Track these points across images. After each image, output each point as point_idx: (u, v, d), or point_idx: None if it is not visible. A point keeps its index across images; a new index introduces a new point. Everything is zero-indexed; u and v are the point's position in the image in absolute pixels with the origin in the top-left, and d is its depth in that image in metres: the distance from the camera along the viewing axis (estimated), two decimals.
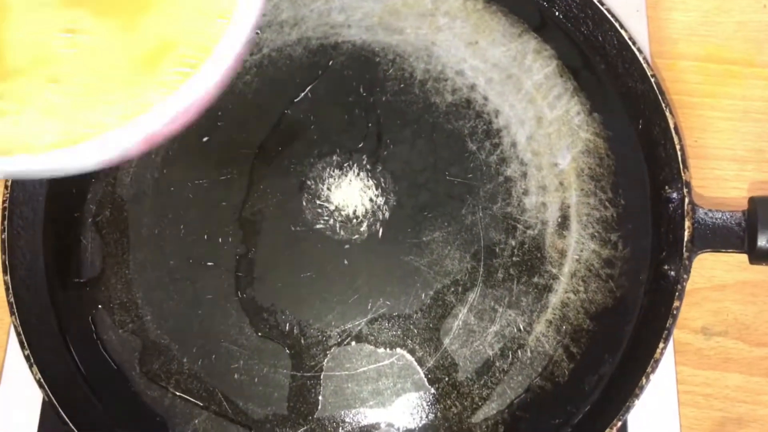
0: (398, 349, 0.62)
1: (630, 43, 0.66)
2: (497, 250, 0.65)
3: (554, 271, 0.64)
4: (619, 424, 0.58)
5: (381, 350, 0.63)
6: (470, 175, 0.67)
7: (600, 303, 0.64)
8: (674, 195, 0.63)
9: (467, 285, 0.64)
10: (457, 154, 0.67)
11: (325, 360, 0.62)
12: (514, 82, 0.70)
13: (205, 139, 0.68)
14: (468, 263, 0.64)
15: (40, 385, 0.60)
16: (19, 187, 0.65)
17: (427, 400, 0.62)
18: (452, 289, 0.64)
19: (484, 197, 0.66)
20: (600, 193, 0.66)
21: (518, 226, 0.65)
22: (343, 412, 0.62)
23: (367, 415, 0.62)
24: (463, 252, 0.65)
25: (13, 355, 0.66)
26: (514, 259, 0.65)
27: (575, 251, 0.65)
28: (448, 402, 0.62)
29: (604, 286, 0.64)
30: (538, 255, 0.65)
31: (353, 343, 0.63)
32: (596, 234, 0.65)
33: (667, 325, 0.59)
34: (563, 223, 0.66)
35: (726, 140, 0.72)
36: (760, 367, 0.66)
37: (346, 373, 0.62)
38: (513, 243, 0.65)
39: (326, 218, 0.66)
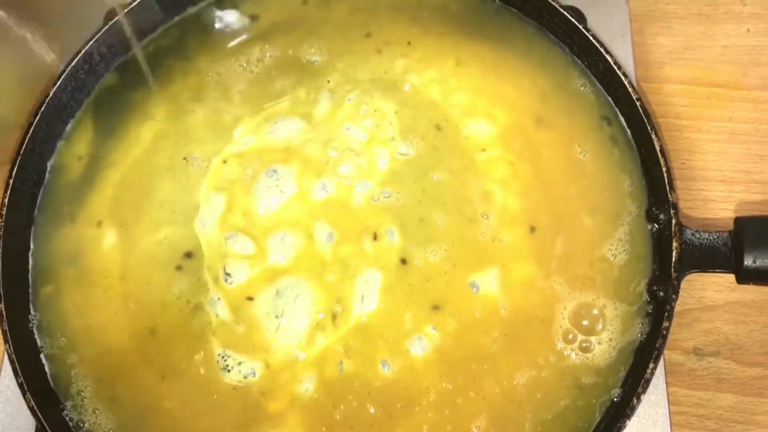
0: None
1: (615, 67, 0.67)
2: None
3: None
4: None
5: None
6: None
7: None
8: (662, 216, 0.64)
9: None
10: None
11: None
12: None
13: None
14: None
15: (34, 413, 0.60)
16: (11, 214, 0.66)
17: None
18: None
19: None
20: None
21: None
22: None
23: None
24: None
25: (6, 383, 0.67)
26: None
27: None
28: None
29: None
30: None
31: None
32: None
33: (657, 345, 0.59)
34: None
35: (713, 162, 0.73)
36: (753, 386, 0.66)
37: None
38: None
39: None
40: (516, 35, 0.73)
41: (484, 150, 0.68)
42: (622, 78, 0.67)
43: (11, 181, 0.66)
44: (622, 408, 0.59)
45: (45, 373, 0.64)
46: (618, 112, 0.69)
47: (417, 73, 0.71)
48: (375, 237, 0.65)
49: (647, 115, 0.65)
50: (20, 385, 0.61)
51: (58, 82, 0.69)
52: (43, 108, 0.69)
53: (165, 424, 0.62)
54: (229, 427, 0.62)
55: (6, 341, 0.62)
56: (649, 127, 0.65)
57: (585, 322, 0.63)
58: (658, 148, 0.64)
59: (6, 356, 0.62)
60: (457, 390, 0.62)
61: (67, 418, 0.63)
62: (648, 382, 0.58)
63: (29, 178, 0.68)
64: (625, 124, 0.69)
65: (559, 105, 0.70)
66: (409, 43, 0.73)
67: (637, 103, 0.66)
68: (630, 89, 0.66)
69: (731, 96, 0.76)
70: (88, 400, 0.63)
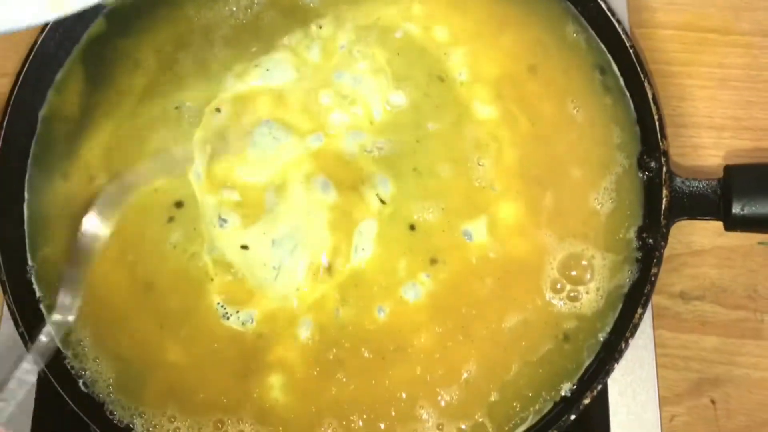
0: None
1: (609, 13, 0.67)
2: None
3: None
4: (599, 387, 0.60)
5: None
6: None
7: None
8: (652, 164, 0.65)
9: None
10: None
11: None
12: None
13: None
14: None
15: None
16: None
17: None
18: None
19: None
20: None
21: None
22: None
23: None
24: None
25: (7, 333, 0.67)
26: None
27: None
28: None
29: None
30: None
31: None
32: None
33: (645, 291, 0.61)
34: None
35: (703, 108, 0.73)
36: (736, 329, 0.68)
37: None
38: None
39: None
40: None
41: (478, 99, 0.68)
42: (616, 24, 0.67)
43: (2, 132, 0.66)
44: (610, 351, 0.61)
45: (45, 323, 0.64)
46: (611, 59, 0.69)
47: (410, 21, 0.70)
48: (369, 184, 0.66)
49: (640, 63, 0.65)
50: (21, 335, 0.62)
51: (46, 30, 0.68)
52: (32, 56, 0.68)
53: (165, 372, 0.64)
54: (228, 373, 0.63)
55: (5, 292, 0.63)
56: (642, 76, 0.65)
57: (573, 273, 0.64)
58: (650, 97, 0.64)
59: (5, 307, 0.63)
60: (446, 333, 0.63)
61: (68, 366, 0.64)
62: (636, 327, 0.60)
63: (21, 128, 0.68)
64: (617, 71, 0.68)
65: (553, 53, 0.70)
66: None
67: (631, 51, 0.66)
68: (623, 36, 0.66)
69: (723, 41, 0.75)
70: (88, 349, 0.64)
